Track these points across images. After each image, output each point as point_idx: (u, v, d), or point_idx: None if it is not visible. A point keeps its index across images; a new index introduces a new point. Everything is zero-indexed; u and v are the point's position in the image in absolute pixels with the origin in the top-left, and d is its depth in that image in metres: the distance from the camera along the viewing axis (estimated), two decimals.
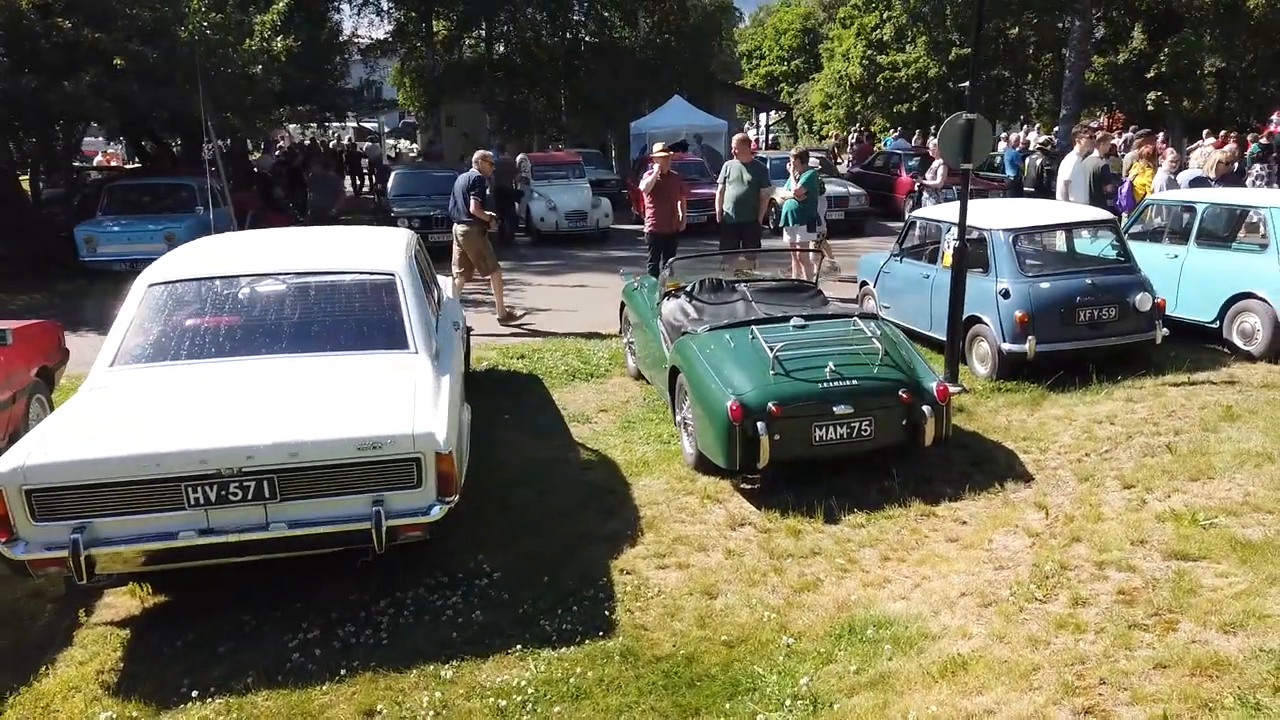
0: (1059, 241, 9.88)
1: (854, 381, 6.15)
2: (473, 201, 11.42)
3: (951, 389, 6.55)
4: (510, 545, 5.59)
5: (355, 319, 5.81)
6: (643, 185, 11.82)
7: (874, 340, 6.43)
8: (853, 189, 19.94)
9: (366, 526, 4.62)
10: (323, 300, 5.91)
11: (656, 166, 11.61)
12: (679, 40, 33.14)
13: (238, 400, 5.06)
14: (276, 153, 28.58)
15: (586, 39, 32.98)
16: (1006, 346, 8.53)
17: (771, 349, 6.24)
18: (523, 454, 7.11)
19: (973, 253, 9.31)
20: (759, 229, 11.90)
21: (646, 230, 11.86)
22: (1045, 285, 8.57)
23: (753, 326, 6.77)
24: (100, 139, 31.77)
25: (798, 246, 12.62)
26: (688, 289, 8.11)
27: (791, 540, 5.60)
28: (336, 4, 29.95)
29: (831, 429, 6.07)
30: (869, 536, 5.63)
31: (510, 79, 32.05)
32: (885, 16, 37.00)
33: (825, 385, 6.11)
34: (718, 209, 11.77)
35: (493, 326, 11.66)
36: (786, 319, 6.87)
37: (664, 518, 5.96)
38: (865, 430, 6.11)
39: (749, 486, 6.36)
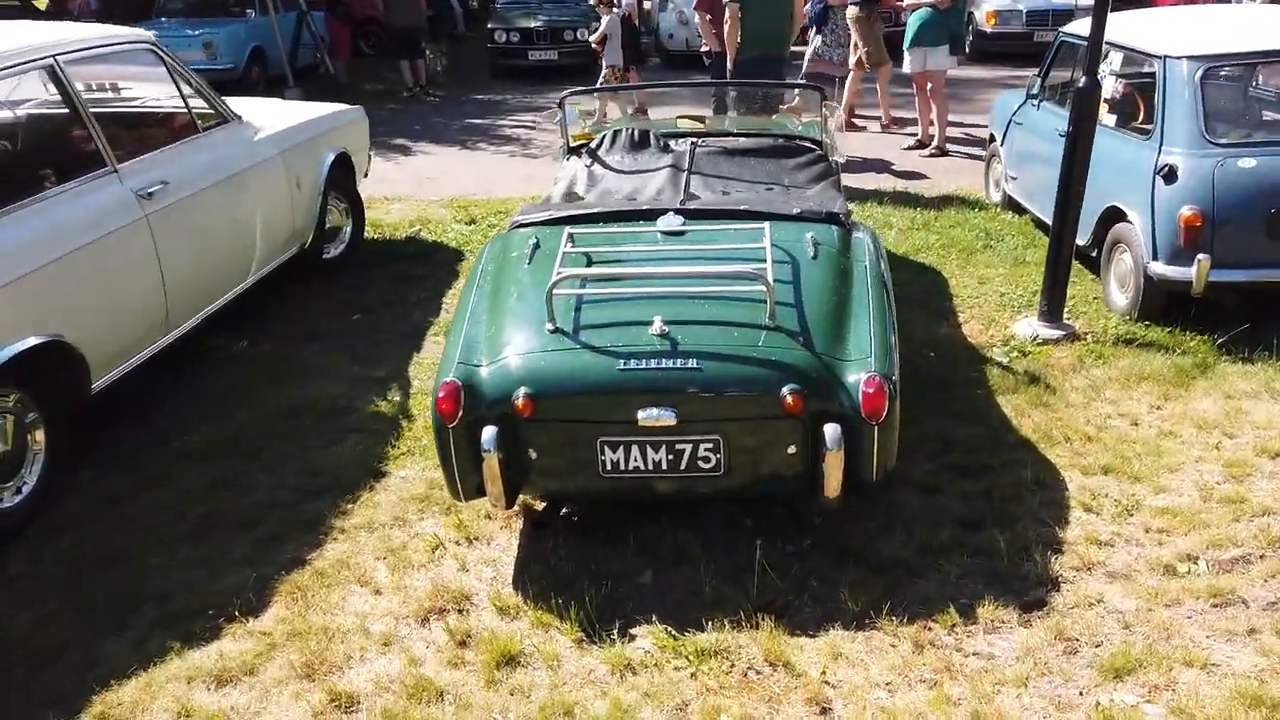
0: None
1: (690, 363, 3.06)
2: None
3: (875, 383, 2.98)
4: None
5: None
6: None
7: (768, 279, 3.17)
8: None
9: None
10: None
11: None
12: None
13: None
14: None
15: None
16: (1157, 267, 4.89)
17: (557, 281, 3.22)
18: None
19: (1129, 97, 5.52)
20: (784, 67, 7.91)
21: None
22: (1245, 164, 4.76)
23: (584, 225, 3.75)
24: None
25: (931, 75, 8.84)
26: (596, 144, 5.04)
27: (543, 672, 2.82)
28: None
29: (634, 450, 3.07)
30: (693, 683, 2.73)
31: None
32: None
33: (628, 365, 3.08)
34: (719, 39, 7.82)
35: None
36: (656, 216, 3.76)
37: (346, 564, 3.32)
38: (704, 459, 3.06)
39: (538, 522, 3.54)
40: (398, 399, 4.57)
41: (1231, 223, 4.71)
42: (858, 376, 3.03)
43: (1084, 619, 2.83)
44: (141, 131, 4.77)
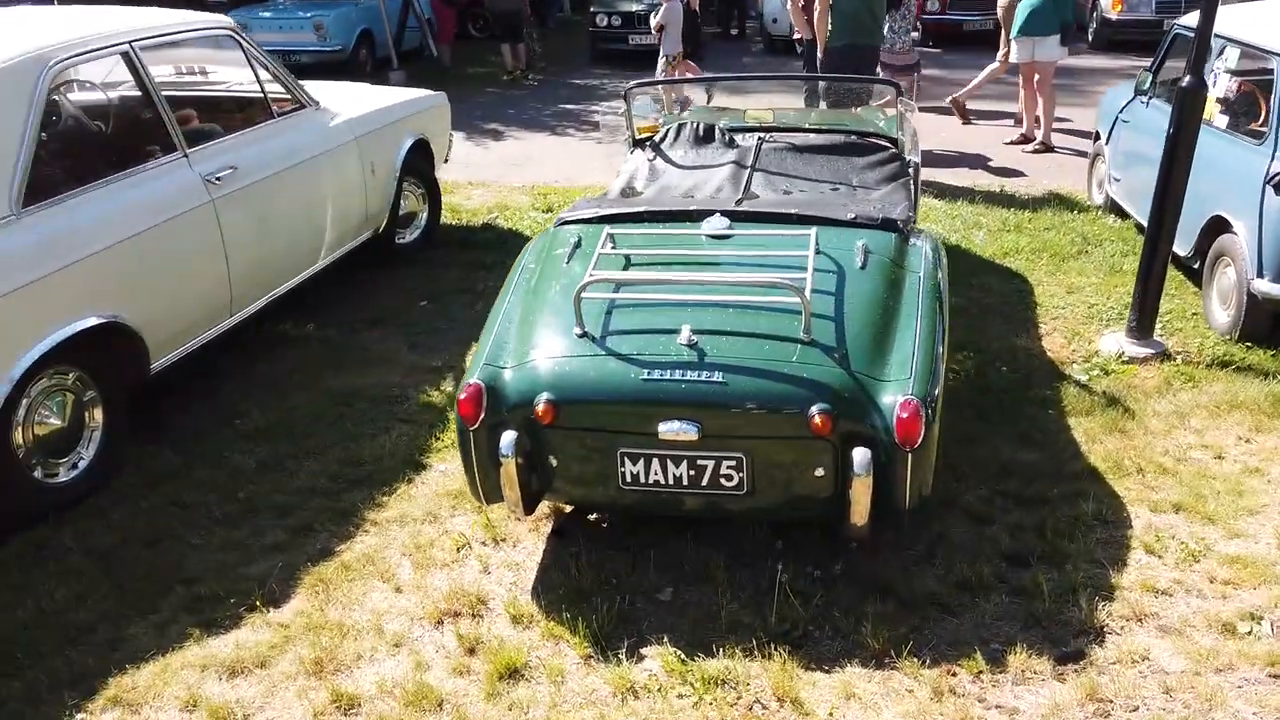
0: None
1: (715, 376, 2.93)
2: None
3: (911, 407, 2.80)
4: None
5: None
6: None
7: (805, 291, 2.98)
8: None
9: None
10: None
11: None
12: None
13: None
14: None
15: None
16: (1261, 284, 4.50)
17: (585, 285, 3.12)
18: None
19: (1245, 96, 5.10)
20: (875, 55, 7.62)
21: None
22: None
23: (627, 225, 3.65)
24: None
25: (1039, 66, 8.38)
26: (660, 137, 4.92)
27: (545, 688, 2.78)
28: None
29: (655, 464, 2.96)
30: (695, 713, 2.64)
31: None
32: None
33: (652, 375, 2.97)
34: (811, 26, 7.61)
35: None
36: (702, 217, 3.61)
37: (372, 559, 3.33)
38: (727, 477, 2.94)
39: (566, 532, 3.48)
40: (449, 390, 4.57)
41: None
42: (893, 398, 2.85)
43: (1124, 678, 2.60)
44: (214, 117, 4.86)
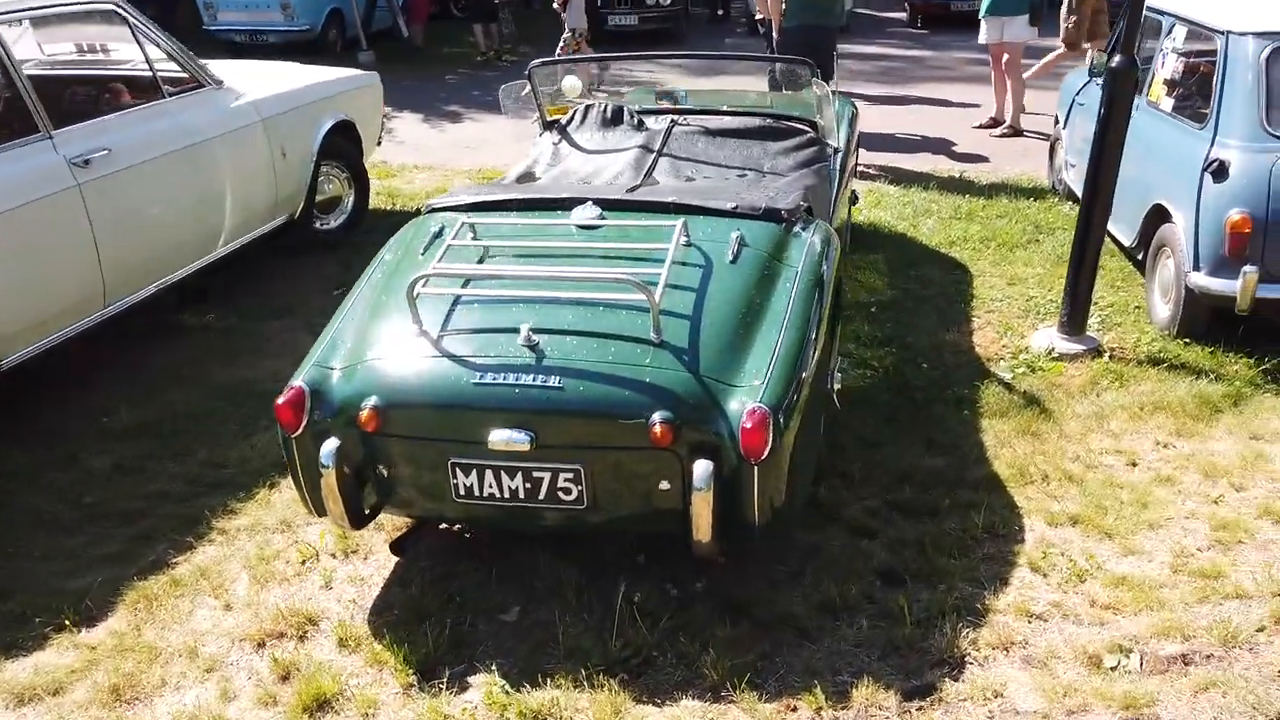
0: None
1: (551, 380, 2.68)
2: None
3: (757, 416, 2.52)
4: None
5: None
6: None
7: (654, 290, 2.73)
8: None
9: None
10: None
11: None
12: None
13: None
14: None
15: None
16: (1197, 278, 4.22)
17: (419, 279, 2.86)
18: None
19: (1192, 78, 4.82)
20: (836, 39, 7.32)
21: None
22: None
23: (498, 215, 3.40)
24: None
25: (1008, 47, 8.05)
26: (567, 120, 4.65)
27: None
28: None
29: (489, 475, 2.72)
30: None
31: None
32: None
33: (484, 379, 2.72)
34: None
35: None
36: (574, 206, 3.34)
37: (208, 572, 3.10)
38: (565, 490, 2.69)
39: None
40: None
41: None
42: (741, 406, 2.60)
43: (969, 717, 2.36)
44: (89, 97, 4.61)
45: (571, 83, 4.78)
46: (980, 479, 3.42)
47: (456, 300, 2.94)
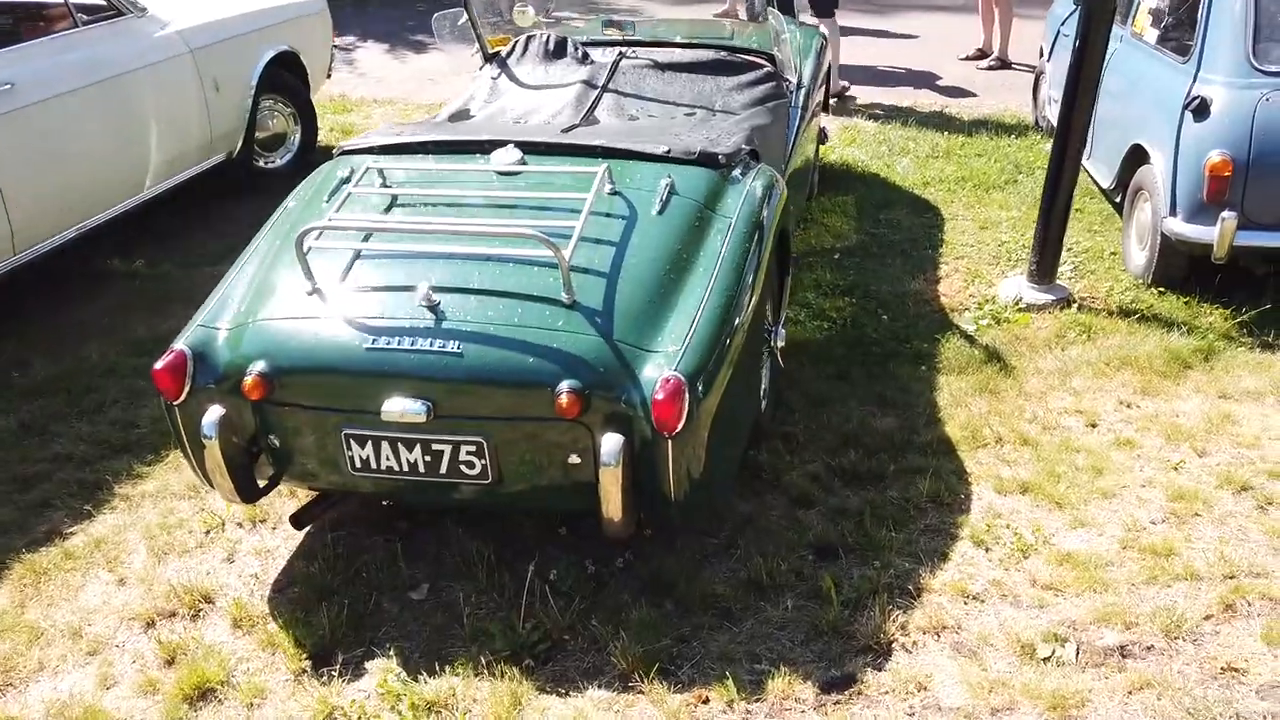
0: None
1: (449, 345, 2.45)
2: None
3: (671, 386, 2.30)
4: None
5: None
6: None
7: (562, 245, 2.46)
8: None
9: None
10: None
11: None
12: None
13: None
14: None
15: None
16: (1173, 224, 3.98)
17: (307, 231, 2.61)
18: None
19: (1175, 10, 4.51)
20: None
21: None
22: None
23: (413, 159, 3.14)
24: None
25: None
26: (507, 52, 4.34)
27: (236, 711, 2.37)
28: None
29: (385, 447, 2.51)
30: None
31: None
32: None
33: (376, 344, 2.49)
34: None
35: None
36: (495, 149, 3.07)
37: (103, 543, 2.91)
38: (468, 464, 2.48)
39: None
40: None
41: (1270, 175, 3.76)
42: (656, 373, 2.38)
43: (888, 713, 2.19)
44: None
45: (520, 8, 4.47)
46: (930, 442, 3.22)
47: (356, 255, 2.69)
